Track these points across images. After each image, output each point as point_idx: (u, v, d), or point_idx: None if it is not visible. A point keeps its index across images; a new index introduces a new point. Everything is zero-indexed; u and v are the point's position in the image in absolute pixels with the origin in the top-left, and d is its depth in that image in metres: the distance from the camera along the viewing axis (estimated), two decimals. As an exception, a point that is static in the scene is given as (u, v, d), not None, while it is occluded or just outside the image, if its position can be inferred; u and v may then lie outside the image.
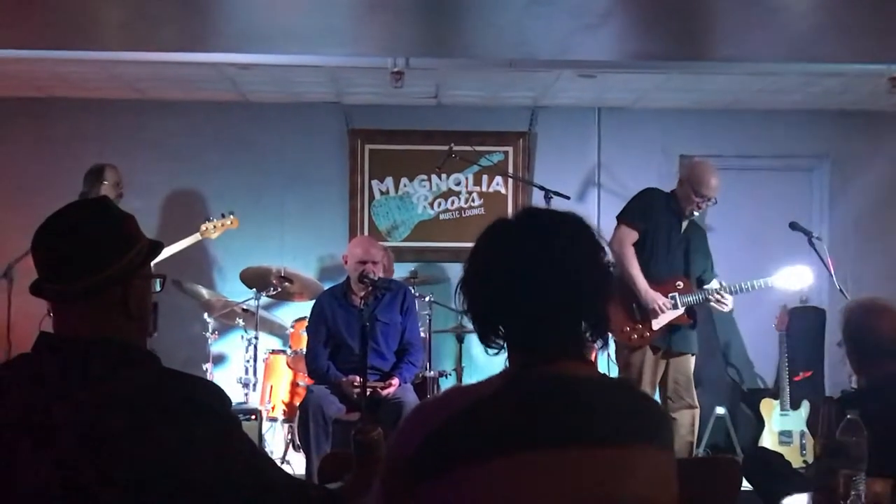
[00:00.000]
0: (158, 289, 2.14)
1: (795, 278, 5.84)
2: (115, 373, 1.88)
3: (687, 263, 5.72)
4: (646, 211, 5.67)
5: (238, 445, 1.93)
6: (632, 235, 5.61)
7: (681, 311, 5.63)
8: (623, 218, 5.71)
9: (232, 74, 6.67)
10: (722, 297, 5.65)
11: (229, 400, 1.98)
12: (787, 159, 7.85)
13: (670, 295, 5.59)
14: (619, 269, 5.61)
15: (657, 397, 5.62)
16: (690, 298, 5.64)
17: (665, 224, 5.69)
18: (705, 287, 5.73)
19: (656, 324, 5.58)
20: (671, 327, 5.63)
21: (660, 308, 5.54)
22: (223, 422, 1.92)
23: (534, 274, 1.77)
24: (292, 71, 6.56)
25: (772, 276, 5.83)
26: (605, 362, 6.24)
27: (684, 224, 5.73)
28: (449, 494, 1.65)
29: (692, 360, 5.77)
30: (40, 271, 1.98)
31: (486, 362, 1.82)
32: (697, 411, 5.79)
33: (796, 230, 6.04)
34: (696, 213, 5.72)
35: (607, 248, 1.88)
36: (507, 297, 1.79)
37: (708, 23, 5.55)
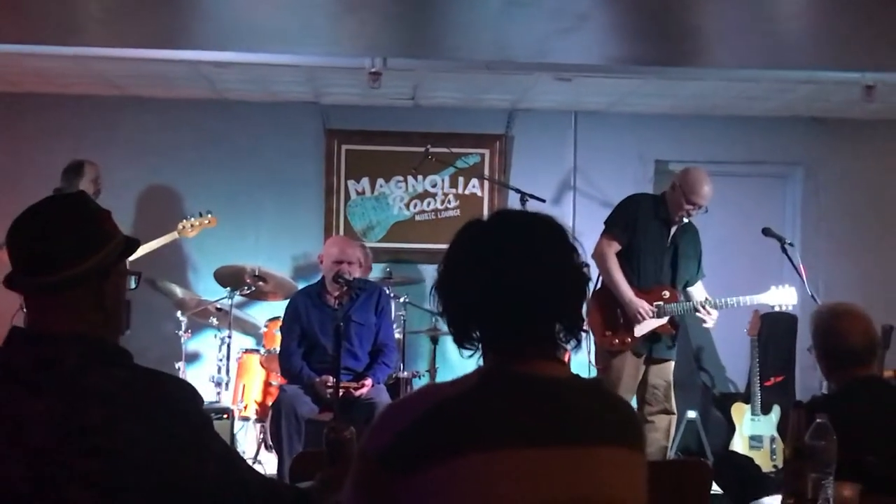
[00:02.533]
0: (134, 286, 2.14)
1: (781, 297, 5.84)
2: (88, 369, 1.88)
3: (674, 271, 5.71)
4: (629, 221, 5.65)
5: (210, 444, 1.94)
6: (614, 246, 5.61)
7: (664, 320, 5.63)
8: (606, 229, 5.70)
9: (209, 73, 6.64)
10: (708, 311, 5.65)
11: (201, 399, 1.99)
12: (761, 165, 7.90)
13: (655, 304, 5.58)
14: (603, 277, 5.63)
15: (635, 402, 5.65)
16: (675, 308, 5.64)
17: (652, 232, 5.66)
18: (692, 299, 5.72)
19: (638, 330, 5.59)
20: (653, 335, 5.65)
21: (641, 315, 5.53)
22: (195, 420, 1.93)
23: (507, 275, 1.77)
24: (270, 70, 6.55)
25: (759, 295, 5.84)
26: (586, 366, 6.25)
27: (672, 230, 5.70)
28: (420, 492, 1.65)
29: (672, 366, 5.79)
30: (15, 264, 1.98)
31: (459, 364, 1.82)
32: (674, 417, 5.81)
33: (769, 236, 6.07)
34: (685, 220, 5.68)
35: (581, 250, 1.88)
36: (482, 297, 1.80)
37: (684, 28, 5.58)
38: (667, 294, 5.64)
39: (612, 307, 5.60)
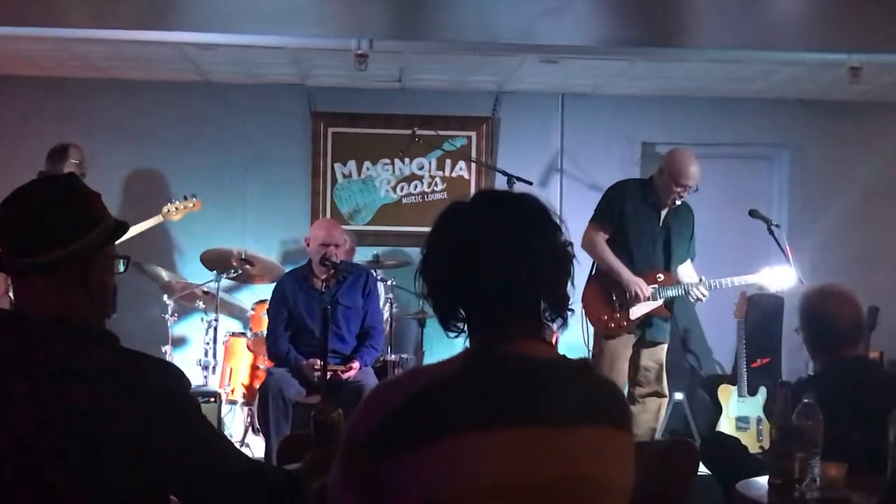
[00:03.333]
0: (122, 269, 2.13)
1: (778, 278, 5.83)
2: (75, 351, 1.88)
3: (668, 254, 5.71)
4: (614, 210, 5.64)
5: (195, 427, 1.93)
6: (600, 235, 5.60)
7: (660, 302, 5.64)
8: (593, 220, 5.70)
9: (194, 55, 6.60)
10: (701, 293, 5.64)
11: (188, 382, 1.98)
12: (748, 147, 7.91)
13: (651, 287, 5.59)
14: (598, 263, 5.62)
15: (626, 384, 5.66)
16: (671, 291, 5.65)
17: (641, 217, 5.65)
18: (682, 281, 5.71)
19: (634, 313, 5.60)
20: (648, 318, 5.65)
21: (641, 292, 5.53)
22: (182, 403, 1.93)
23: (491, 254, 1.77)
24: (255, 52, 6.51)
25: (754, 274, 5.84)
26: (581, 349, 6.23)
27: (663, 213, 5.68)
28: (407, 474, 1.65)
29: (664, 348, 5.80)
30: (3, 244, 1.97)
31: (447, 346, 1.82)
32: (665, 400, 5.81)
33: (756, 218, 6.07)
34: (677, 203, 5.67)
35: (565, 228, 1.87)
36: (465, 278, 1.79)
37: (671, 9, 5.57)
38: (661, 277, 5.65)
39: (607, 291, 5.60)
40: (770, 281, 5.83)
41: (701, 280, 5.69)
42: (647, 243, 5.67)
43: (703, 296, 5.65)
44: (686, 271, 5.80)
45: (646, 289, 5.56)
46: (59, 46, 6.43)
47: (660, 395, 5.74)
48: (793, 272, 5.82)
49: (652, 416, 5.71)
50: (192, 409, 1.95)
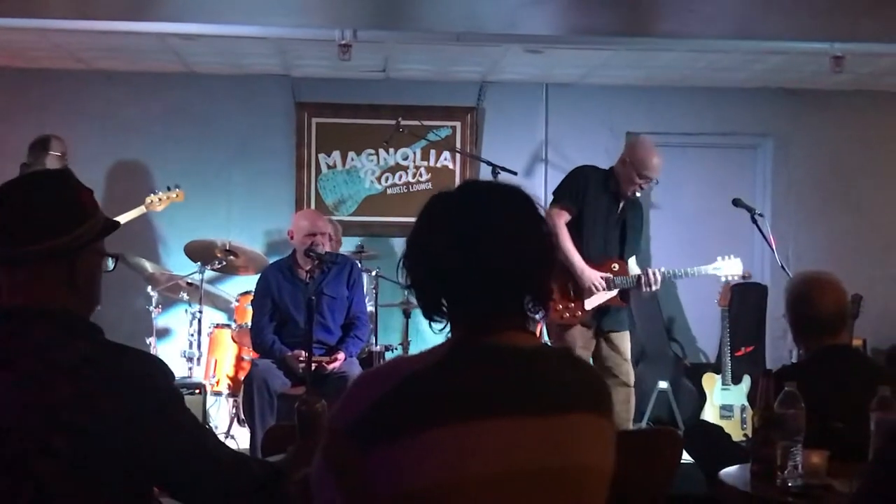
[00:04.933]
0: (111, 268, 2.13)
1: (728, 268, 5.84)
2: (59, 343, 1.88)
3: (622, 244, 5.67)
4: (578, 192, 5.58)
5: (180, 420, 1.94)
6: (563, 216, 5.52)
7: (614, 293, 5.60)
8: (555, 199, 5.65)
9: (177, 45, 6.58)
10: (650, 284, 5.56)
11: (172, 374, 1.99)
12: (731, 136, 7.93)
13: (604, 276, 5.54)
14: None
15: None
16: (625, 281, 5.60)
17: (602, 204, 5.61)
18: (635, 273, 5.63)
19: (588, 304, 5.55)
20: (602, 307, 5.61)
21: (595, 286, 5.50)
22: (165, 396, 1.93)
23: (475, 246, 1.77)
24: (238, 42, 6.49)
25: (706, 266, 5.83)
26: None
27: (622, 204, 5.65)
28: (390, 464, 1.65)
29: (626, 336, 5.74)
30: None
31: (432, 337, 1.82)
32: (632, 391, 5.72)
33: (739, 207, 6.08)
34: (637, 194, 5.66)
35: (549, 220, 1.87)
36: (449, 269, 1.79)
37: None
38: (616, 267, 5.60)
39: (562, 280, 5.51)
40: (723, 269, 5.83)
41: (652, 271, 5.60)
42: (603, 232, 5.62)
43: (654, 284, 5.58)
44: (631, 264, 5.76)
45: (601, 283, 5.52)
46: (41, 37, 6.40)
47: (625, 384, 5.67)
48: (739, 262, 5.84)
49: (622, 407, 5.64)
50: (176, 401, 1.95)
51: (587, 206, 5.58)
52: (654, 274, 5.58)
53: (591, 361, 5.61)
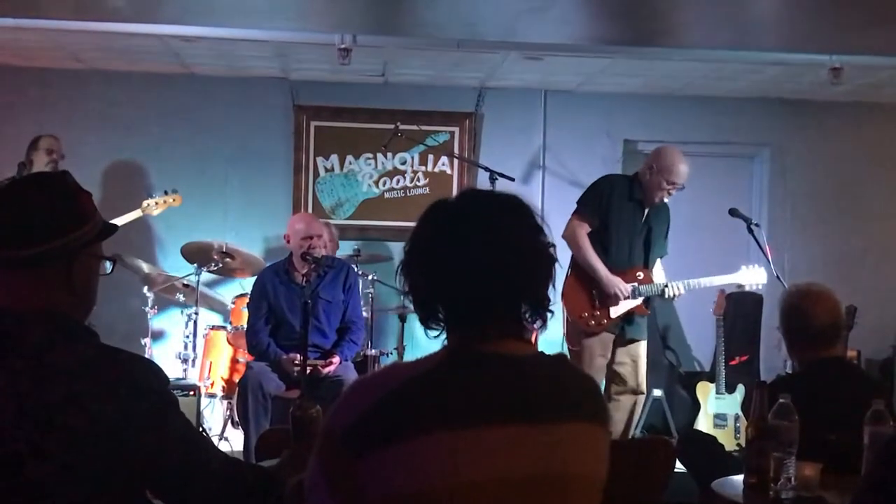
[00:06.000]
0: (109, 271, 2.13)
1: (752, 276, 5.86)
2: (54, 345, 1.88)
3: (647, 252, 5.70)
4: (601, 203, 5.61)
5: (174, 424, 1.94)
6: (584, 227, 5.56)
7: (639, 301, 5.63)
8: (577, 210, 5.67)
9: (176, 47, 6.58)
10: (678, 290, 5.63)
11: (166, 378, 1.98)
12: (729, 146, 7.94)
13: (630, 285, 5.58)
14: (577, 257, 5.60)
15: (604, 381, 5.66)
16: (650, 289, 5.63)
17: (626, 213, 5.63)
18: (661, 280, 5.70)
19: (615, 311, 5.57)
20: (627, 315, 5.64)
21: (621, 293, 5.52)
22: (160, 400, 1.93)
23: (473, 254, 1.77)
24: (238, 45, 6.49)
25: (731, 275, 5.87)
26: (558, 344, 6.22)
27: (647, 211, 5.68)
28: (383, 471, 1.66)
29: (643, 345, 5.78)
30: None
31: (427, 342, 1.83)
32: (642, 398, 5.78)
33: (736, 217, 6.09)
34: (665, 200, 5.68)
35: (548, 230, 1.88)
36: (447, 277, 1.79)
37: (653, 8, 5.59)
38: (641, 275, 5.64)
39: (588, 287, 5.57)
40: (747, 278, 5.88)
41: (677, 284, 5.66)
42: (629, 240, 5.66)
43: (679, 293, 5.66)
44: (657, 269, 5.82)
45: (625, 289, 5.56)
46: (42, 36, 6.40)
47: (636, 392, 5.72)
48: (764, 272, 5.87)
49: (624, 415, 5.67)
50: (170, 405, 1.95)
51: (612, 216, 5.61)
52: (677, 287, 5.63)
53: (605, 369, 5.64)
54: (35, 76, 7.36)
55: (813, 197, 7.90)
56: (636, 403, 5.74)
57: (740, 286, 6.04)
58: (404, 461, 1.65)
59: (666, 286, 5.64)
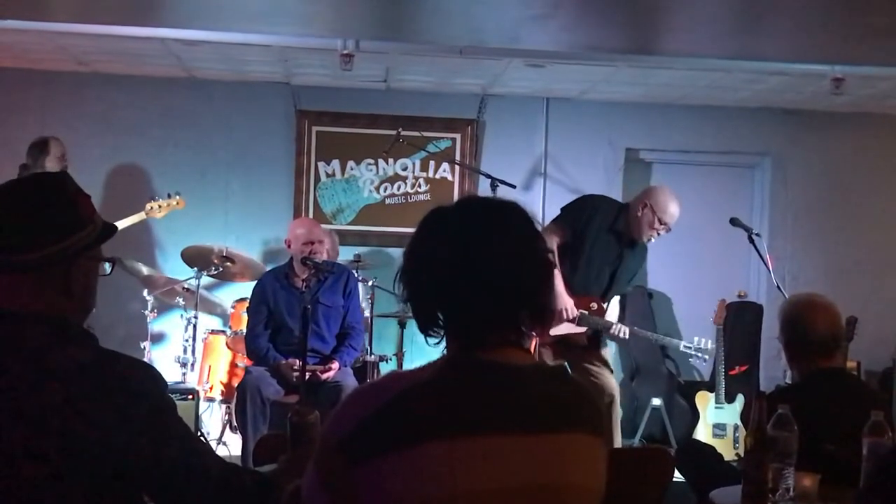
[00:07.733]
0: (108, 272, 2.12)
1: (700, 347, 5.74)
2: (50, 349, 1.87)
3: (609, 286, 5.59)
4: (579, 219, 5.50)
5: (172, 429, 1.93)
6: (554, 238, 5.37)
7: (581, 329, 5.51)
8: (555, 218, 5.59)
9: (179, 50, 6.58)
10: (620, 335, 5.52)
11: (165, 383, 1.98)
12: (730, 155, 7.95)
13: (580, 311, 5.47)
14: None
15: None
16: (596, 322, 5.51)
17: (602, 240, 5.52)
18: (611, 321, 5.56)
19: (554, 330, 5.39)
20: (564, 340, 5.49)
21: (567, 312, 5.40)
22: (155, 404, 1.92)
23: (473, 262, 1.77)
24: (240, 49, 6.49)
25: (682, 342, 5.81)
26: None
27: (624, 244, 5.55)
28: (381, 479, 1.65)
29: (606, 352, 5.67)
30: None
31: (427, 349, 1.83)
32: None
33: (736, 226, 6.09)
34: (651, 240, 5.57)
35: (547, 237, 1.87)
36: (446, 285, 1.79)
37: (656, 17, 5.59)
38: (594, 306, 5.53)
39: None
40: (692, 348, 5.74)
41: (622, 327, 5.53)
42: (596, 267, 5.54)
43: (624, 337, 5.54)
44: (613, 305, 5.70)
45: (573, 311, 5.44)
46: (44, 39, 6.40)
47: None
48: (710, 342, 5.77)
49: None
50: (168, 409, 1.94)
51: (587, 237, 5.50)
52: (622, 331, 5.52)
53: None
54: (37, 79, 7.37)
55: (814, 207, 7.90)
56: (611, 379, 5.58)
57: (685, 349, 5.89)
58: (402, 470, 1.65)
59: (613, 325, 5.53)
